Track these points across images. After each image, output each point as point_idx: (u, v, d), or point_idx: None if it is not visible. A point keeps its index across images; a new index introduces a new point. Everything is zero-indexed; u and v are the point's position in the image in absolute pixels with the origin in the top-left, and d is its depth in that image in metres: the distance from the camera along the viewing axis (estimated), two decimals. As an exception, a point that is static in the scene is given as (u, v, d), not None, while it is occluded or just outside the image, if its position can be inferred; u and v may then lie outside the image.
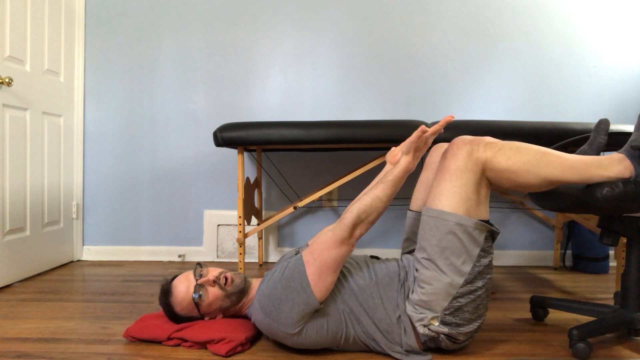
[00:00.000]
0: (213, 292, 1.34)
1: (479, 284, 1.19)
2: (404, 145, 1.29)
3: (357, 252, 2.63)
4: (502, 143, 1.21)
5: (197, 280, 1.34)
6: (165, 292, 1.37)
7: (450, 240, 1.18)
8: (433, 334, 1.20)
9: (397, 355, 1.23)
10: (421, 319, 1.20)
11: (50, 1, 2.36)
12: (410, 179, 2.59)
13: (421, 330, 1.20)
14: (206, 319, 1.39)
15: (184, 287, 1.34)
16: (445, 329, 1.19)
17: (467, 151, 1.20)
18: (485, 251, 1.20)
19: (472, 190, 1.19)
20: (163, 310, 1.40)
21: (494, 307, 1.76)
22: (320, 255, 1.20)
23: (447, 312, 1.18)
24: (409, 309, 1.22)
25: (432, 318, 1.19)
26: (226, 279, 1.34)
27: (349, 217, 1.20)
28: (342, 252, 1.21)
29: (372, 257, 1.43)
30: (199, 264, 1.40)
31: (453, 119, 1.23)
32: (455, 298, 1.18)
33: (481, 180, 1.20)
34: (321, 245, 1.21)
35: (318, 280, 1.19)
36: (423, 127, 1.23)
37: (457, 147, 1.22)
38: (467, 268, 1.18)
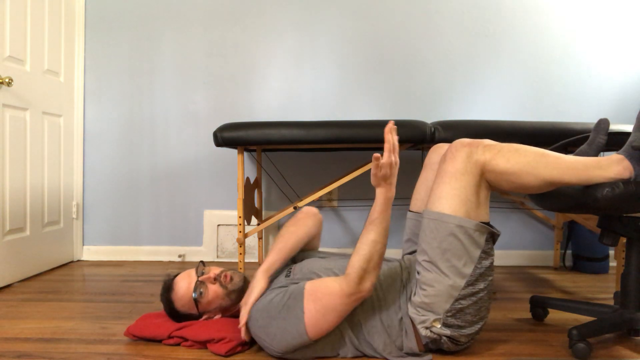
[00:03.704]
0: (213, 289, 1.36)
1: (481, 285, 1.19)
2: (372, 179, 1.18)
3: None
4: (500, 145, 1.21)
5: (198, 277, 1.35)
6: (167, 288, 1.39)
7: (451, 242, 1.17)
8: (435, 336, 1.20)
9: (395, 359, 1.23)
10: (423, 321, 1.19)
11: (50, 1, 2.36)
12: (410, 180, 2.59)
13: (423, 332, 1.20)
14: (204, 317, 1.39)
15: (185, 284, 1.36)
16: (447, 331, 1.19)
17: (466, 153, 1.19)
18: (486, 253, 1.21)
19: (472, 192, 1.19)
20: (163, 306, 1.41)
21: (495, 307, 1.76)
22: (323, 307, 1.16)
23: (449, 314, 1.18)
24: (411, 311, 1.22)
25: (434, 320, 1.19)
26: (226, 276, 1.37)
27: (352, 273, 1.15)
28: (348, 303, 1.16)
29: None
30: (201, 262, 1.42)
31: (392, 124, 1.14)
32: (457, 300, 1.18)
33: (480, 183, 1.20)
34: (326, 297, 1.16)
35: (317, 331, 1.17)
36: (375, 154, 1.12)
37: (455, 149, 1.22)
38: (469, 270, 1.18)
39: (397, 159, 1.14)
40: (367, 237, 1.17)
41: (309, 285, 1.20)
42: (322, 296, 1.16)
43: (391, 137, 1.13)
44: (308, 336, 1.16)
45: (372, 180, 1.17)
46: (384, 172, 1.14)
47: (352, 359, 1.26)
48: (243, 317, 1.24)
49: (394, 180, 1.17)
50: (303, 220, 1.45)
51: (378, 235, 1.17)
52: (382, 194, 1.17)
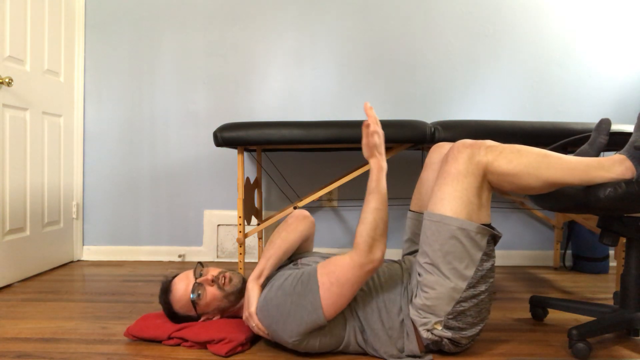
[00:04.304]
0: (211, 291, 1.36)
1: (482, 287, 1.19)
2: (364, 150, 1.26)
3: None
4: (502, 146, 1.21)
5: (196, 279, 1.35)
6: (165, 290, 1.39)
7: (453, 245, 1.17)
8: (436, 338, 1.20)
9: None
10: (425, 324, 1.19)
11: (50, 1, 2.36)
12: (410, 180, 2.59)
13: (425, 334, 1.19)
14: (203, 318, 1.39)
15: (183, 286, 1.37)
16: (448, 333, 1.19)
17: (468, 155, 1.19)
18: (488, 255, 1.20)
19: (474, 194, 1.19)
20: (162, 308, 1.41)
21: (494, 307, 1.76)
22: (337, 280, 1.16)
23: (450, 317, 1.18)
24: (413, 314, 1.22)
25: (436, 322, 1.19)
26: (225, 278, 1.36)
27: (361, 241, 1.17)
28: (361, 274, 1.17)
29: None
30: (200, 263, 1.42)
31: (368, 104, 1.25)
32: (458, 302, 1.18)
33: (482, 184, 1.20)
34: (339, 269, 1.17)
35: (331, 304, 1.17)
36: (365, 122, 1.23)
37: (457, 150, 1.22)
38: (470, 272, 1.18)
39: (381, 131, 1.25)
40: (369, 206, 1.21)
41: (320, 263, 1.23)
42: (335, 269, 1.18)
43: (372, 113, 1.24)
44: (323, 311, 1.16)
45: (365, 152, 1.25)
46: (373, 139, 1.23)
47: (354, 355, 1.26)
48: (259, 327, 1.24)
49: (383, 150, 1.26)
50: (294, 225, 1.42)
51: (379, 203, 1.21)
52: (376, 164, 1.24)
